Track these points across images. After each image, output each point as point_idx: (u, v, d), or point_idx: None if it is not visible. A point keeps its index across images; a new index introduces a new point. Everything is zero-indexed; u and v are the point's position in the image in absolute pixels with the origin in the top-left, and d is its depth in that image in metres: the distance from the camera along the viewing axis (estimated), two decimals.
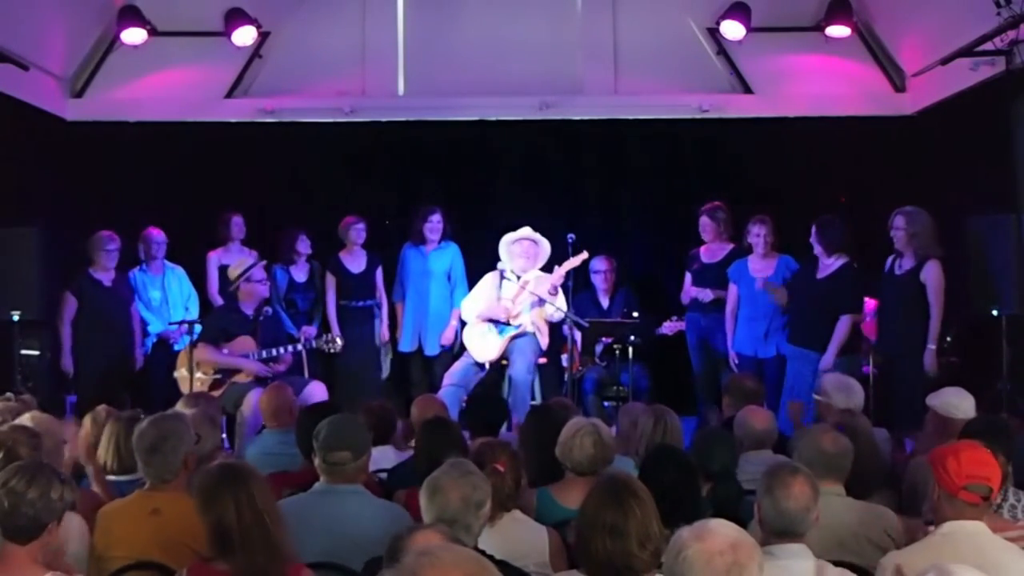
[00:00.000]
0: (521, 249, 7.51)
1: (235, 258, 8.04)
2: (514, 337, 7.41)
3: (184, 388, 6.87)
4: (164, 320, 7.82)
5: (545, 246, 7.57)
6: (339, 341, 7.31)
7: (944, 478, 3.21)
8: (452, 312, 7.99)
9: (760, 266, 7.34)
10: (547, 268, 7.57)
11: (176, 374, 7.16)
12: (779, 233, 7.35)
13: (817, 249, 6.92)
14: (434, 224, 8.02)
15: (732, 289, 7.43)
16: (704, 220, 7.66)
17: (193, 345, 7.02)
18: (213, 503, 3.03)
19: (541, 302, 7.39)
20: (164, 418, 3.87)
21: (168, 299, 7.88)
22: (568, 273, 7.27)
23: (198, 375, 7.01)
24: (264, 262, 7.56)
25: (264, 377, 6.99)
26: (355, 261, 8.06)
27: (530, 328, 7.45)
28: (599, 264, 7.91)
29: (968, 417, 4.58)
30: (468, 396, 7.13)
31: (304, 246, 7.95)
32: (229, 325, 7.19)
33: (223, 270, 7.98)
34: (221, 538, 3.00)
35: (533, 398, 7.56)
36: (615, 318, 7.66)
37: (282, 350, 7.15)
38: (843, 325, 6.74)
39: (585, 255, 7.36)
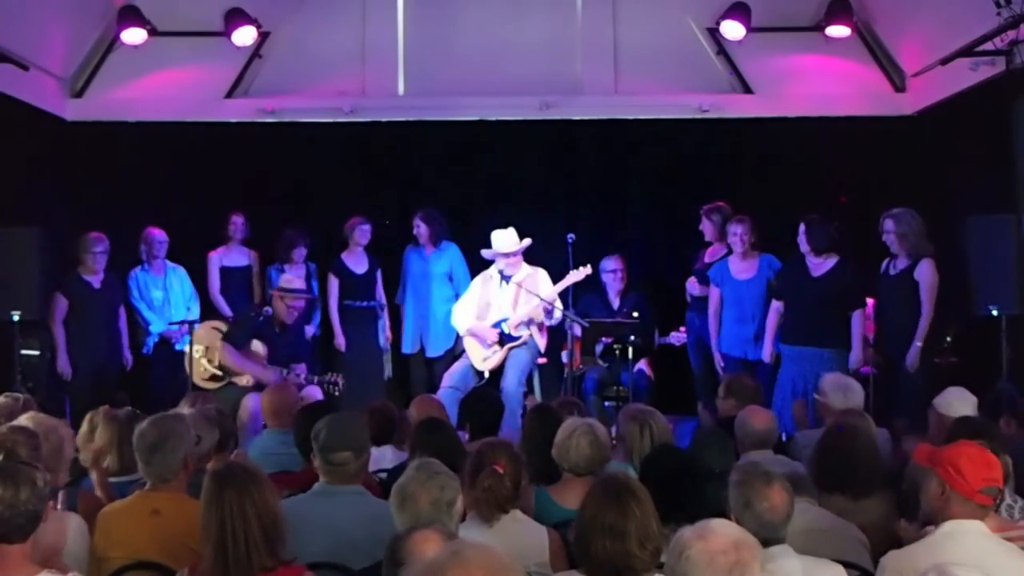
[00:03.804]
0: (506, 260, 7.42)
1: (235, 259, 8.06)
2: (514, 347, 7.38)
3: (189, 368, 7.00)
4: (166, 320, 7.83)
5: (520, 244, 7.39)
6: (340, 384, 7.00)
7: (959, 482, 3.18)
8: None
9: (741, 267, 7.33)
10: (541, 263, 7.55)
11: (184, 347, 7.20)
12: (759, 232, 7.32)
13: (805, 248, 6.90)
14: (417, 227, 8.02)
15: (714, 291, 7.41)
16: (703, 221, 7.67)
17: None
18: (218, 503, 3.02)
19: (541, 303, 7.36)
20: (165, 418, 3.87)
21: (170, 299, 7.89)
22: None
23: (204, 360, 7.05)
24: (313, 296, 7.37)
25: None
26: (358, 262, 8.06)
27: (528, 333, 7.40)
28: (611, 264, 7.87)
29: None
30: (464, 394, 7.10)
31: (300, 255, 7.92)
32: (258, 333, 7.07)
33: (224, 271, 8.00)
34: (223, 538, 3.00)
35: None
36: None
37: (287, 372, 6.94)
38: (857, 321, 6.75)
39: (588, 270, 7.30)
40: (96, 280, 7.50)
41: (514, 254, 7.39)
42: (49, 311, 7.31)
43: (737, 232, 7.27)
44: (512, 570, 2.04)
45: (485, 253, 7.49)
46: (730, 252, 7.53)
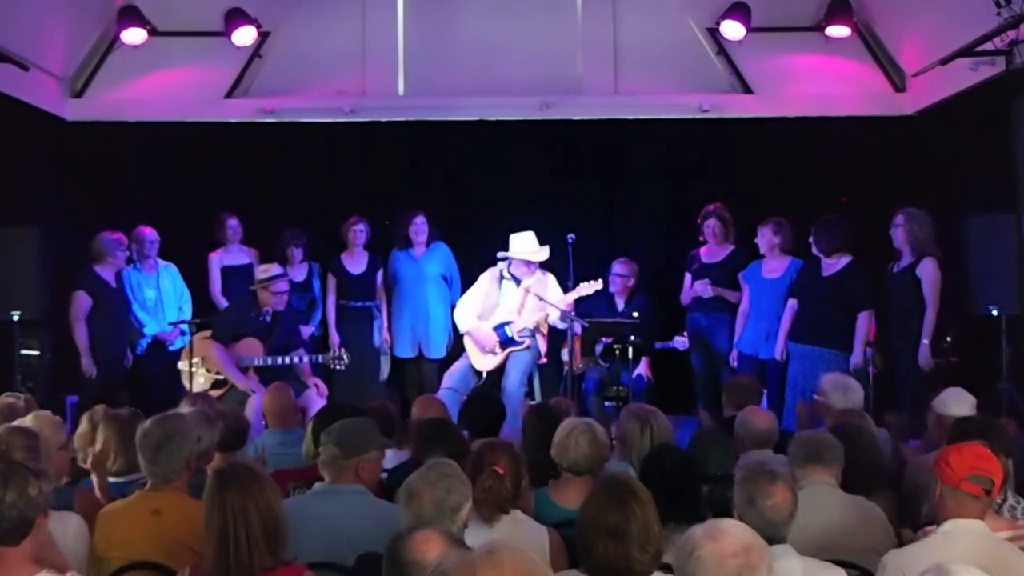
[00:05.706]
0: (526, 267, 7.42)
1: (235, 258, 8.05)
2: (514, 352, 7.37)
3: (186, 380, 6.88)
4: (159, 320, 7.79)
5: (542, 255, 7.44)
6: (345, 358, 7.12)
7: (946, 472, 3.23)
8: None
9: (771, 267, 7.36)
10: (542, 264, 7.55)
11: (180, 364, 7.12)
12: (787, 234, 7.30)
13: (816, 249, 6.93)
14: (419, 226, 7.98)
15: (745, 290, 7.44)
16: (713, 222, 7.59)
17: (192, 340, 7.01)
18: (220, 502, 3.02)
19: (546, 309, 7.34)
20: (168, 418, 3.85)
21: (162, 298, 7.84)
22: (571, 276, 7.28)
23: (202, 371, 6.99)
24: (288, 277, 7.42)
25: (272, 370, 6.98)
26: (355, 262, 8.04)
27: (529, 343, 7.39)
28: (619, 268, 7.85)
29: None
30: (467, 395, 7.09)
31: (297, 255, 7.91)
32: (241, 326, 7.11)
33: (225, 271, 7.99)
34: (225, 538, 2.99)
35: (532, 397, 7.55)
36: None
37: (289, 359, 7.00)
38: (863, 322, 6.75)
39: (599, 285, 7.30)
40: (111, 278, 7.49)
41: (535, 264, 7.37)
42: (71, 309, 7.27)
43: (764, 235, 7.30)
44: (544, 575, 2.06)
45: (503, 255, 7.44)
46: (735, 251, 7.57)
